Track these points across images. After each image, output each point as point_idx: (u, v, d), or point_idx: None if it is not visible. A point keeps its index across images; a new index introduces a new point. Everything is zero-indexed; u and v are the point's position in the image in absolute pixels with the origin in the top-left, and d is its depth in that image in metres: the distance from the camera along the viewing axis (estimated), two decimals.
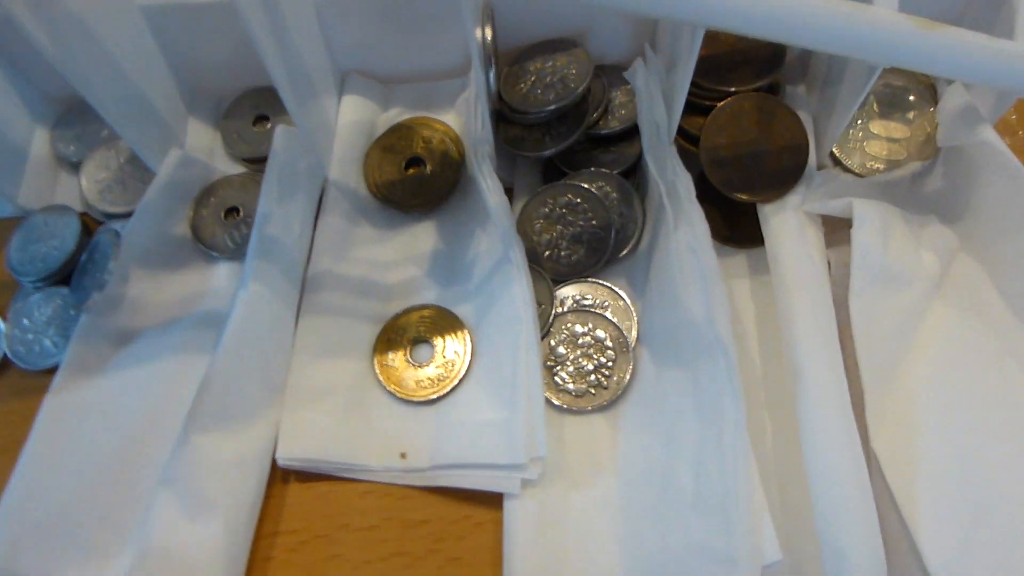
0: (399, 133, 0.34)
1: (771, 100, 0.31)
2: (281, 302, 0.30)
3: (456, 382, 0.30)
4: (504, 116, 0.33)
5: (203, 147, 0.35)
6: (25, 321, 0.32)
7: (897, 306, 0.29)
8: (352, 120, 0.34)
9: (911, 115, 0.33)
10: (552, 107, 0.32)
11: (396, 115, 0.35)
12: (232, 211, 0.33)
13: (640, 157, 0.33)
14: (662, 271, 0.28)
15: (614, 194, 0.32)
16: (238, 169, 0.35)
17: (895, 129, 0.33)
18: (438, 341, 0.31)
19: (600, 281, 0.32)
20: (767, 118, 0.30)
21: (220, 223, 0.33)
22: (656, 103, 0.29)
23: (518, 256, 0.29)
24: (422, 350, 0.31)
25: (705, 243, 0.27)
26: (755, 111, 0.30)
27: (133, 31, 0.31)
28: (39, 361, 0.31)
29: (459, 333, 0.31)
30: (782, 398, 0.29)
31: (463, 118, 0.35)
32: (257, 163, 0.34)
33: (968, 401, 0.28)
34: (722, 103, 0.30)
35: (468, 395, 0.30)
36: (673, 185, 0.28)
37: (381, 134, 0.34)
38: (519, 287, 0.29)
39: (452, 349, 0.31)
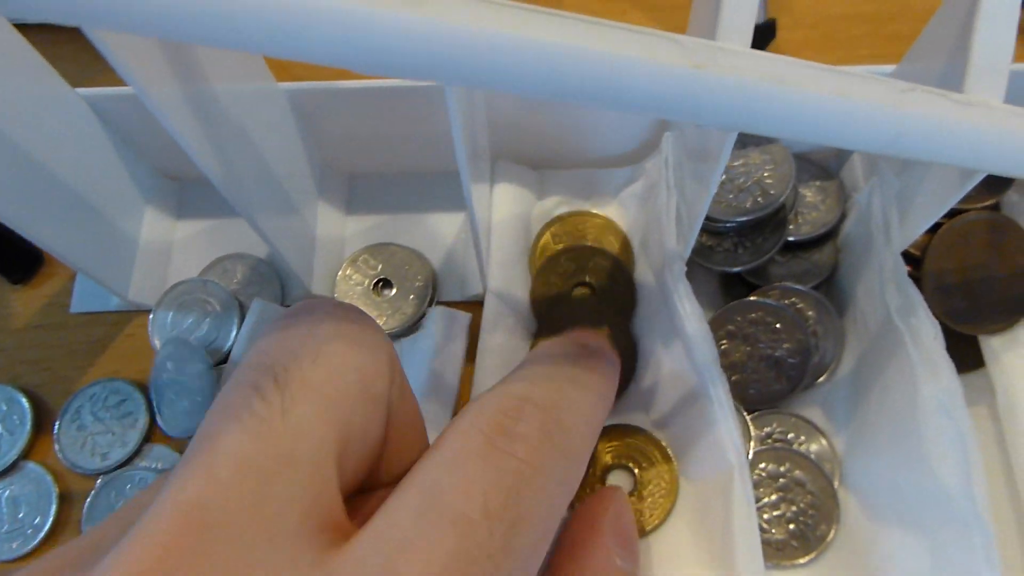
0: (563, 229, 0.31)
1: (1002, 219, 0.27)
2: None
3: (661, 520, 0.27)
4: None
5: (334, 237, 0.31)
6: None
7: None
8: (508, 215, 0.30)
9: None
10: (750, 217, 0.28)
11: (552, 207, 0.31)
12: None
13: (835, 269, 0.29)
14: (898, 425, 0.25)
15: (810, 312, 0.29)
16: None
17: None
18: (636, 469, 0.27)
19: (795, 413, 0.28)
20: (999, 239, 0.27)
21: None
22: (894, 232, 0.25)
23: (721, 394, 0.26)
24: (619, 478, 0.28)
25: (959, 403, 0.23)
26: (985, 231, 0.27)
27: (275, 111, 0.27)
28: None
29: (664, 463, 0.27)
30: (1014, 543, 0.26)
31: (628, 211, 0.31)
32: None
33: None
34: (949, 222, 0.27)
35: (673, 540, 0.27)
36: (916, 331, 0.24)
37: (539, 232, 0.31)
38: (725, 429, 0.26)
39: (656, 480, 0.27)
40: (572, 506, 0.25)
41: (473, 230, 0.25)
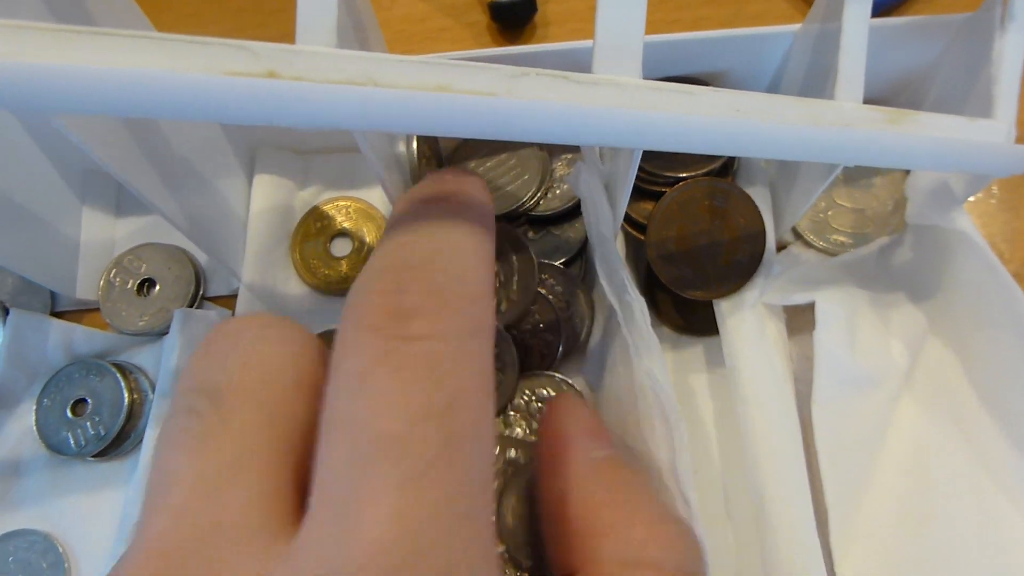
0: (321, 220, 0.31)
1: (724, 185, 0.28)
2: None
3: None
4: None
5: (103, 240, 0.31)
6: None
7: (864, 411, 0.27)
8: (266, 207, 0.30)
9: (877, 181, 0.30)
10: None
11: (315, 194, 0.32)
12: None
13: (585, 242, 0.30)
14: (623, 400, 0.25)
15: (559, 287, 0.29)
16: None
17: (860, 198, 0.30)
18: None
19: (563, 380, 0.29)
20: (720, 205, 0.28)
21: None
22: (604, 214, 0.26)
23: None
24: None
25: (664, 379, 0.24)
26: (706, 198, 0.28)
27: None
28: None
29: None
30: (744, 506, 0.27)
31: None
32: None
33: (941, 520, 0.26)
34: (670, 191, 0.27)
35: None
36: (629, 308, 0.25)
37: (299, 222, 0.31)
38: None
39: None
40: None
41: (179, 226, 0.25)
